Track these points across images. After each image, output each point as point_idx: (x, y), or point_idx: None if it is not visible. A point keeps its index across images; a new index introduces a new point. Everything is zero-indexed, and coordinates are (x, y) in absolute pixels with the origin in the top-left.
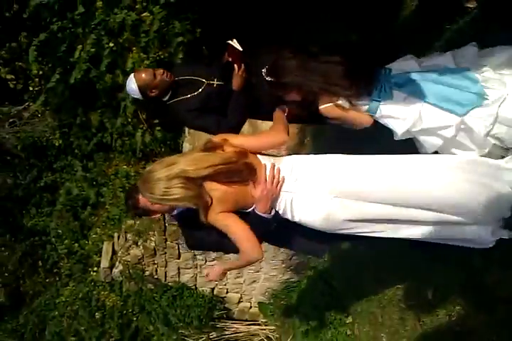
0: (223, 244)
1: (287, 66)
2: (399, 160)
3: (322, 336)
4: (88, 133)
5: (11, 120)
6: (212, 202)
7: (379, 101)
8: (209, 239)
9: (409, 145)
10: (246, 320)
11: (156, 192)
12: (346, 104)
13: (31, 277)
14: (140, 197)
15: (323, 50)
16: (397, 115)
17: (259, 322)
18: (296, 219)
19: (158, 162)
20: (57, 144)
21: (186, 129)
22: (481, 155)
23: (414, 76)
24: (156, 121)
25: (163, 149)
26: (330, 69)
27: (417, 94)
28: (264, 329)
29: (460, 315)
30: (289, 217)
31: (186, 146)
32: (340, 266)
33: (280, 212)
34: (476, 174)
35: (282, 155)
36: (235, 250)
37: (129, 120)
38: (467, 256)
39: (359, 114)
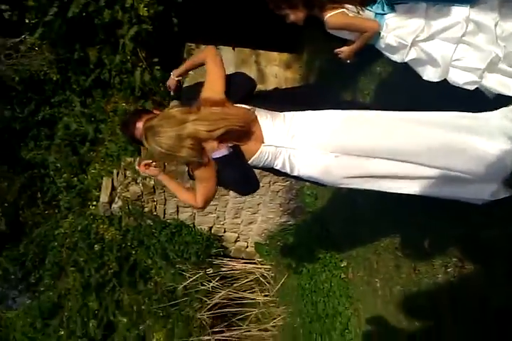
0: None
1: None
2: (400, 116)
3: (316, 278)
4: (86, 69)
5: (7, 52)
6: (209, 162)
7: (383, 13)
8: None
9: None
10: (242, 259)
11: (164, 147)
12: (351, 13)
13: (30, 208)
14: (137, 127)
15: None
16: (404, 24)
17: (255, 261)
18: (295, 173)
19: (168, 116)
20: (54, 79)
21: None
22: (495, 62)
23: None
24: (156, 59)
25: (161, 88)
26: None
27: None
28: (260, 268)
29: (456, 267)
30: (288, 171)
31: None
32: (337, 211)
33: (278, 167)
34: (478, 131)
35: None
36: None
37: (128, 58)
38: (467, 210)
39: (366, 19)
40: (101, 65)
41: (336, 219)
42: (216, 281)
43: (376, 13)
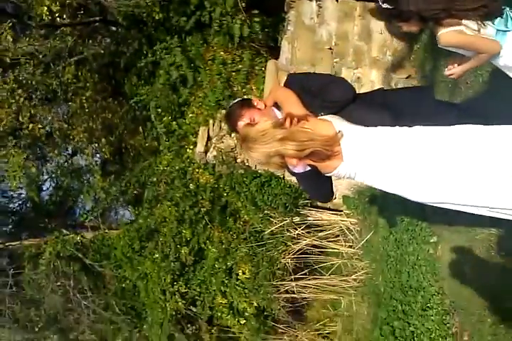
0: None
1: None
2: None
3: (404, 248)
4: (187, 10)
5: None
6: None
7: (507, 30)
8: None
9: None
10: (329, 209)
11: (256, 161)
12: (468, 32)
13: (133, 137)
14: (239, 124)
15: None
16: None
17: (342, 213)
18: (377, 187)
19: (261, 131)
20: (157, 18)
21: (287, 26)
22: None
23: None
24: (256, 11)
25: (260, 36)
26: None
27: None
28: (346, 221)
29: None
30: (370, 185)
31: (285, 44)
32: None
33: (359, 181)
34: None
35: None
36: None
37: (228, 10)
38: None
39: (485, 39)
40: (202, 6)
41: None
42: (302, 229)
43: (498, 30)
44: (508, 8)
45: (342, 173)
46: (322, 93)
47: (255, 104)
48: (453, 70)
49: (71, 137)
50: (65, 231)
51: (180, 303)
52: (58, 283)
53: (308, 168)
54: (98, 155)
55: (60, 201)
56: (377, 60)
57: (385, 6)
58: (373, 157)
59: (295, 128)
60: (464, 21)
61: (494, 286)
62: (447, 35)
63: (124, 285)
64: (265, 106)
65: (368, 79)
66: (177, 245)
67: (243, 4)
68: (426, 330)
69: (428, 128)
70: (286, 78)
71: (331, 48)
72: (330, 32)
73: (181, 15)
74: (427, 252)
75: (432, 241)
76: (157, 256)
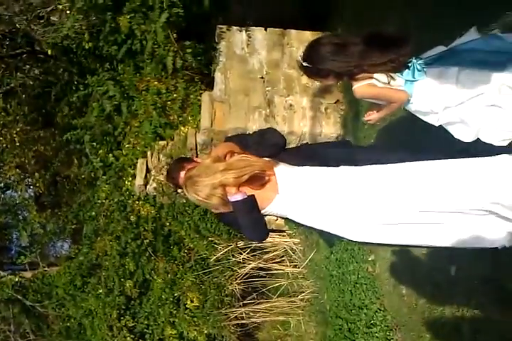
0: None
1: (323, 52)
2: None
3: (344, 267)
4: (118, 38)
5: (38, 11)
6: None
7: (413, 80)
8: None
9: None
10: (272, 230)
11: (200, 195)
12: (380, 84)
13: (69, 169)
14: (180, 176)
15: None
16: (433, 91)
17: (285, 233)
18: (307, 225)
19: (204, 166)
20: (87, 47)
21: (219, 57)
22: None
23: (443, 53)
24: (187, 42)
25: (193, 64)
26: (365, 49)
27: (450, 64)
28: (289, 241)
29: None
30: (301, 222)
31: (218, 76)
32: None
33: (291, 217)
34: None
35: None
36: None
37: (160, 44)
38: None
39: (394, 90)
40: (132, 35)
41: None
42: (247, 253)
43: (406, 80)
44: (414, 60)
45: (275, 209)
46: (260, 141)
47: (195, 159)
48: (371, 117)
49: (2, 173)
50: (1, 272)
51: (128, 338)
52: None
53: (246, 196)
54: (32, 189)
55: None
56: (307, 86)
57: (305, 64)
58: (305, 191)
59: (234, 158)
60: (375, 75)
61: (429, 302)
62: (361, 88)
63: (68, 324)
64: None
65: (300, 106)
66: (121, 278)
67: (174, 35)
68: None
69: (353, 168)
70: (224, 140)
71: (262, 77)
72: (261, 61)
73: (112, 43)
74: (366, 270)
75: (370, 259)
76: (101, 291)
